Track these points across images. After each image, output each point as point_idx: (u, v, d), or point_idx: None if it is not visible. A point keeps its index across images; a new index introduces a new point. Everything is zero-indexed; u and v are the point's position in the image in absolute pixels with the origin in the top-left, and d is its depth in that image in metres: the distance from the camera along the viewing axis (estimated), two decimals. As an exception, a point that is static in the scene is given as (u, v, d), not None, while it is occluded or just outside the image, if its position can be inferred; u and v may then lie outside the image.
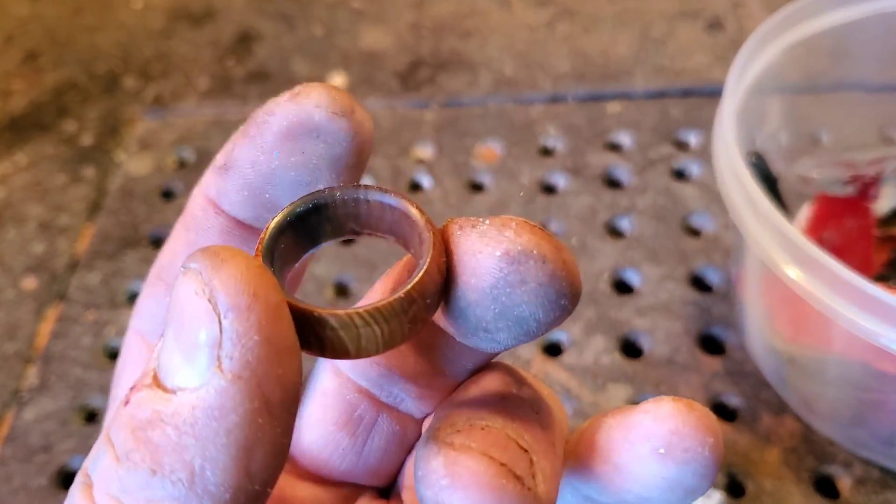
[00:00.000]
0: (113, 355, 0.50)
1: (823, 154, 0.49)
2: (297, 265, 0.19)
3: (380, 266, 0.52)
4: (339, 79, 0.66)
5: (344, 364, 0.22)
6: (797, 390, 0.42)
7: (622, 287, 0.50)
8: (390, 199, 0.19)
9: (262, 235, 0.18)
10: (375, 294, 0.22)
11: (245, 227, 0.22)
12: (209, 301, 0.15)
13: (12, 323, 0.52)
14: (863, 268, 0.39)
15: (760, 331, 0.43)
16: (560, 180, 0.56)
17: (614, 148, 0.58)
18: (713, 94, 0.59)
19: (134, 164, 0.61)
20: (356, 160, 0.20)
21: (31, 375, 0.49)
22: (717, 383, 0.45)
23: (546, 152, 0.58)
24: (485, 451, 0.18)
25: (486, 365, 0.22)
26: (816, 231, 0.45)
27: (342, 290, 0.52)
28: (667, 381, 0.45)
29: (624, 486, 0.19)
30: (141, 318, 0.25)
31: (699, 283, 0.49)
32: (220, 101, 0.66)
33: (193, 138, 0.63)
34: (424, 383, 0.22)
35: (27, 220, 0.59)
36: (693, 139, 0.57)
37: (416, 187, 0.58)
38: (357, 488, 0.24)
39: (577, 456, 0.20)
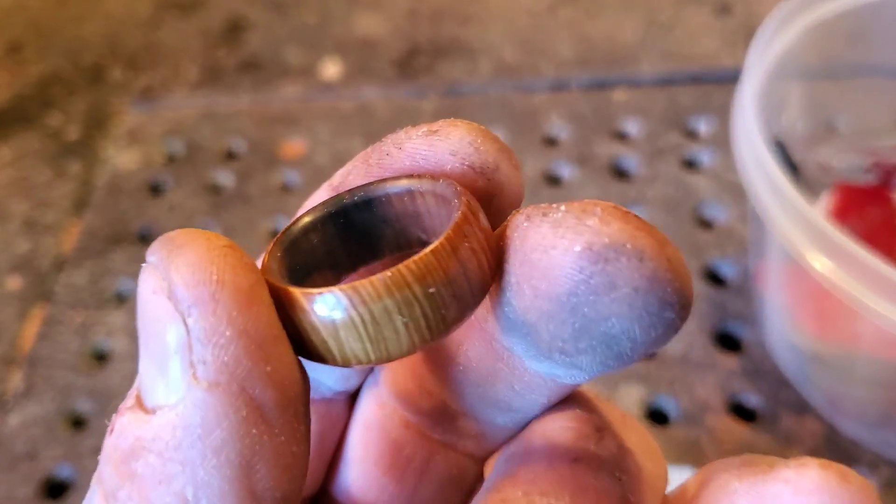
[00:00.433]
0: (101, 358, 0.48)
1: (842, 141, 0.47)
2: (351, 275, 0.16)
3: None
4: (333, 67, 0.64)
5: (387, 392, 0.18)
6: (821, 389, 0.40)
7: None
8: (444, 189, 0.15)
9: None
10: None
11: None
12: (169, 298, 0.13)
13: (-5, 325, 0.50)
14: (886, 259, 0.37)
15: (782, 327, 0.41)
16: (565, 171, 0.54)
17: (621, 137, 0.56)
18: (723, 80, 0.57)
19: (121, 158, 0.59)
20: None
21: (16, 379, 0.47)
22: (734, 382, 0.43)
23: (550, 142, 0.56)
24: None
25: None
26: (838, 221, 0.43)
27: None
28: (681, 381, 0.43)
29: None
30: None
31: (713, 277, 0.47)
32: (210, 91, 0.63)
33: (183, 131, 0.60)
34: (487, 419, 0.18)
35: (11, 218, 0.56)
36: (703, 127, 0.55)
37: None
38: None
39: None
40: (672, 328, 0.13)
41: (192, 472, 0.13)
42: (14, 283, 0.52)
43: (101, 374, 0.47)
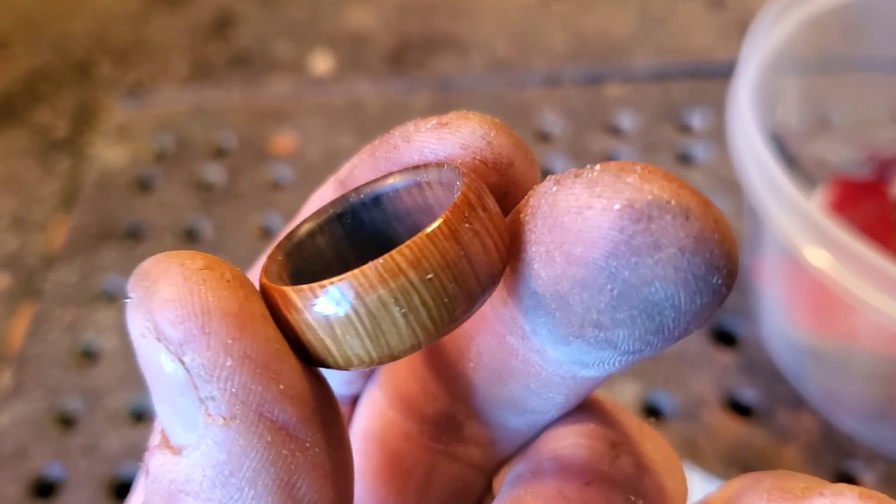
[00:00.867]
0: (90, 356, 0.47)
1: (837, 135, 0.47)
2: None
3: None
4: (323, 62, 0.63)
5: (386, 399, 0.17)
6: (818, 384, 0.40)
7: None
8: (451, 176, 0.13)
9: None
10: None
11: None
12: (159, 340, 0.12)
13: (-17, 323, 0.50)
14: (883, 253, 0.37)
15: (778, 321, 0.41)
16: (559, 166, 0.54)
17: (615, 131, 0.56)
18: (717, 74, 0.57)
19: (110, 154, 0.59)
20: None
21: (5, 378, 0.47)
22: (730, 377, 0.42)
23: (543, 137, 0.56)
24: None
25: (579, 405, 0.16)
26: (834, 215, 0.43)
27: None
28: (677, 377, 0.43)
29: None
30: None
31: (708, 272, 0.47)
32: (200, 87, 0.63)
33: (173, 126, 0.60)
34: (499, 422, 0.16)
35: (-2, 215, 0.56)
36: (697, 121, 0.55)
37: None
38: None
39: None
40: (718, 296, 0.12)
41: None
42: (2, 280, 0.52)
43: (90, 373, 0.46)
